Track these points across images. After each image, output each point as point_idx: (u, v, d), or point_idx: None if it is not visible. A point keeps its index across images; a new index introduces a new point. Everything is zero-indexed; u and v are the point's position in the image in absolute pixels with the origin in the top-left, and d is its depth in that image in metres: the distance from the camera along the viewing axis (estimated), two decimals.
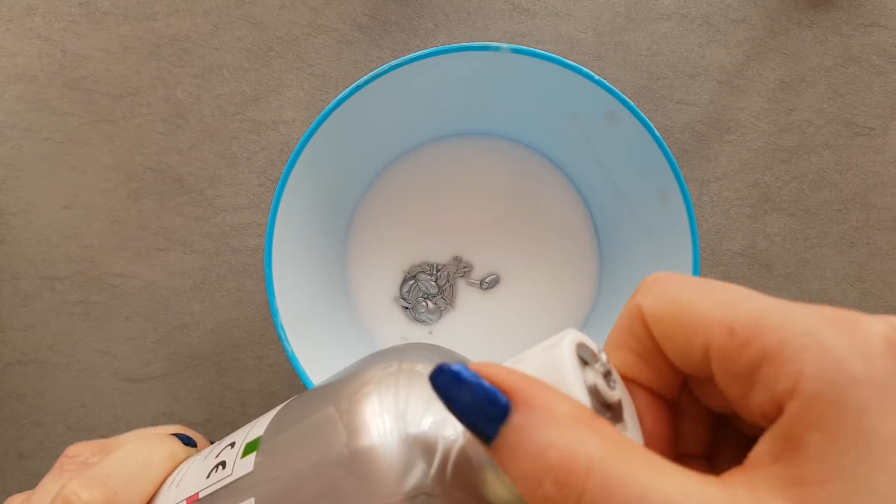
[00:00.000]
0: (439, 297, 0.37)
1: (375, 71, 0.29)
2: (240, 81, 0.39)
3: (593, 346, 0.14)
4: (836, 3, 0.40)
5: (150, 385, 0.38)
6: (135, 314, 0.38)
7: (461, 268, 0.37)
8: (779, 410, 0.12)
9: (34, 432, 0.38)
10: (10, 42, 0.39)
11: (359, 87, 0.29)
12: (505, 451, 0.12)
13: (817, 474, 0.11)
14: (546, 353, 0.13)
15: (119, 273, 0.38)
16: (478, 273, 0.37)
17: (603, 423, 0.12)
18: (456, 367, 0.13)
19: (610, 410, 0.13)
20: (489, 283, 0.37)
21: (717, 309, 0.13)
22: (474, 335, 0.37)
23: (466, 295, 0.37)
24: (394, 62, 0.29)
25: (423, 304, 0.37)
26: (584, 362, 0.14)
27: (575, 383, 0.13)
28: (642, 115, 0.29)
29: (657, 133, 0.29)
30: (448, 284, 0.37)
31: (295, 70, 0.39)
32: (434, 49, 0.29)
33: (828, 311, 0.12)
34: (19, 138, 0.39)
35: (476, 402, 0.12)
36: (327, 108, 0.29)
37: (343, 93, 0.29)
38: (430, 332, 0.37)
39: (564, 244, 0.37)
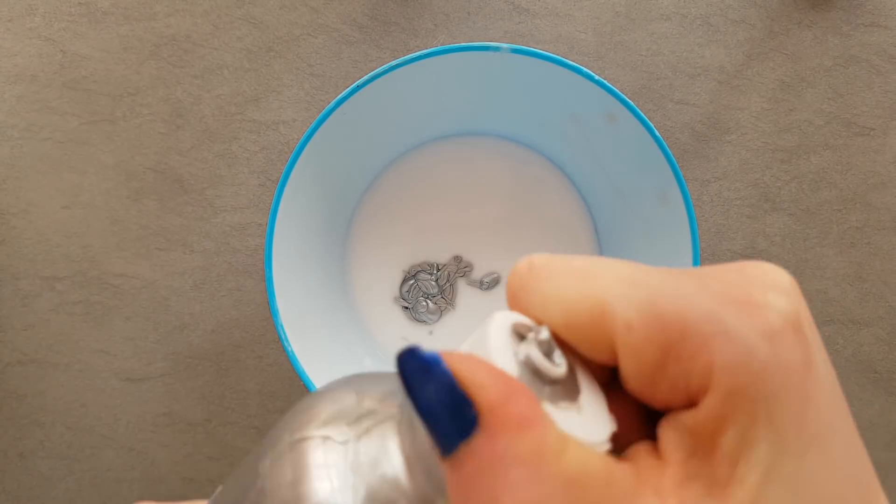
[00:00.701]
0: (439, 296, 0.37)
1: (375, 71, 0.29)
2: (240, 81, 0.39)
3: (531, 323, 0.13)
4: (836, 3, 0.40)
5: (150, 385, 0.38)
6: (135, 314, 0.38)
7: (461, 267, 0.37)
8: (690, 404, 0.11)
9: (34, 432, 0.38)
10: (10, 42, 0.39)
11: (359, 87, 0.29)
12: (457, 475, 0.11)
13: (735, 473, 0.11)
14: (478, 331, 0.12)
15: (119, 273, 0.38)
16: (478, 273, 0.37)
17: (572, 457, 0.11)
18: (429, 355, 0.11)
19: (554, 386, 0.12)
20: (489, 283, 0.37)
21: (610, 302, 0.11)
22: None
23: (467, 295, 0.37)
24: (394, 62, 0.29)
25: (424, 303, 0.37)
26: (522, 337, 0.12)
27: (500, 354, 0.11)
28: (642, 115, 0.29)
29: (657, 133, 0.29)
30: (448, 284, 0.37)
31: (295, 70, 0.39)
32: (434, 49, 0.29)
33: (718, 287, 0.11)
34: (19, 138, 0.39)
35: (440, 404, 0.11)
36: (327, 108, 0.29)
37: (343, 93, 0.29)
38: (431, 333, 0.37)
39: (564, 244, 0.37)
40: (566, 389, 0.12)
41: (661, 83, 0.40)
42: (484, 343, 0.12)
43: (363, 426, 0.13)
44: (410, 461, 0.12)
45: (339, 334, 0.35)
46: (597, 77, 0.29)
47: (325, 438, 0.13)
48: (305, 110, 0.39)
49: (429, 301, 0.37)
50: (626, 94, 0.39)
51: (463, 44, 0.29)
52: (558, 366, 0.12)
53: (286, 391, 0.38)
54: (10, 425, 0.38)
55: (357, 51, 0.39)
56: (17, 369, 0.38)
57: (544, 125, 0.35)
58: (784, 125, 0.40)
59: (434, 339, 0.37)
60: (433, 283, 0.37)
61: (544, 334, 0.12)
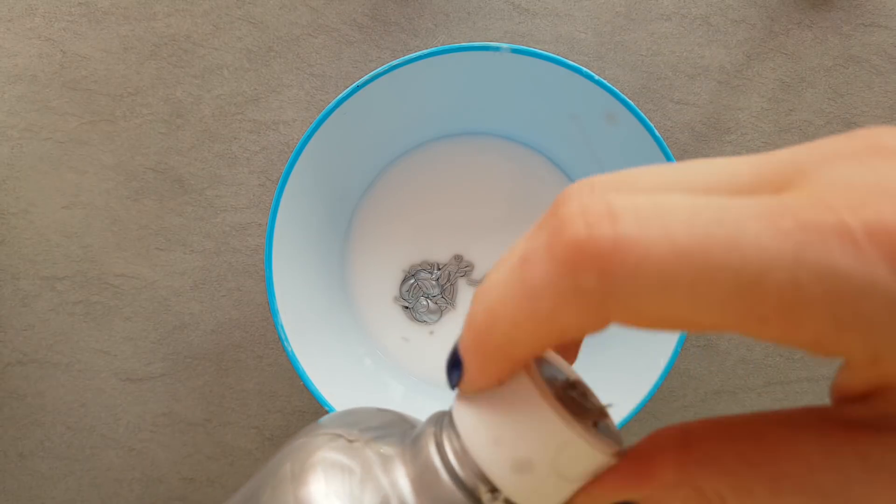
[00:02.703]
0: (440, 296, 0.37)
1: (375, 71, 0.29)
2: (240, 81, 0.39)
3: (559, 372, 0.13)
4: (836, 3, 0.40)
5: (150, 385, 0.38)
6: (135, 314, 0.38)
7: (462, 267, 0.37)
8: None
9: (34, 432, 0.38)
10: (10, 42, 0.39)
11: (359, 87, 0.29)
12: None
13: None
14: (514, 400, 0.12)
15: (119, 273, 0.38)
16: (479, 272, 0.37)
17: None
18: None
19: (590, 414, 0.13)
20: None
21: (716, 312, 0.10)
22: None
23: (467, 294, 0.37)
24: (394, 62, 0.29)
25: (424, 303, 0.37)
26: (552, 381, 0.13)
27: (573, 434, 0.12)
28: (642, 115, 0.29)
29: (657, 133, 0.29)
30: (449, 284, 0.37)
31: (295, 70, 0.39)
32: (434, 49, 0.29)
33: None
34: (19, 138, 0.39)
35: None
36: (327, 108, 0.29)
37: (343, 93, 0.29)
38: (431, 332, 0.37)
39: None
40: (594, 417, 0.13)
41: (661, 83, 0.40)
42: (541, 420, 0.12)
43: (369, 436, 0.14)
44: (416, 484, 0.13)
45: (339, 334, 0.35)
46: (597, 77, 0.29)
47: (337, 435, 0.14)
48: (305, 110, 0.39)
49: (429, 301, 0.37)
50: (626, 94, 0.39)
51: (463, 44, 0.29)
52: (587, 400, 0.13)
53: (286, 391, 0.38)
54: (10, 425, 0.38)
55: (357, 51, 0.39)
56: (17, 369, 0.38)
57: (544, 125, 0.35)
58: (784, 125, 0.40)
59: (434, 339, 0.37)
60: (433, 282, 0.37)
61: (570, 375, 0.13)
